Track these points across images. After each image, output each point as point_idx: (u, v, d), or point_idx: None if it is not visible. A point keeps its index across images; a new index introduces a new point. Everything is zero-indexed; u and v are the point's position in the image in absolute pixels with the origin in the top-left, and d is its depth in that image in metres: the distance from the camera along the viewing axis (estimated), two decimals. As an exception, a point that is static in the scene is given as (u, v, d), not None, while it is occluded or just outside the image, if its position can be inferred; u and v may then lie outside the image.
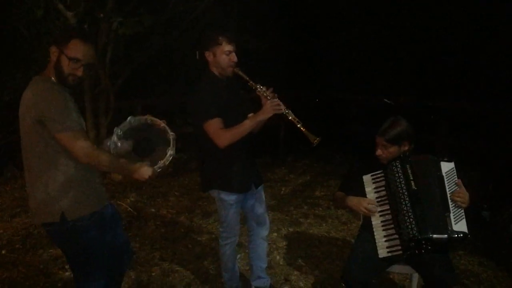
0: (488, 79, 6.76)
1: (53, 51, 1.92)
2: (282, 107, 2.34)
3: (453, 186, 2.24)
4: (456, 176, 2.27)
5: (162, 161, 2.03)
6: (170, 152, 2.05)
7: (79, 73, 1.94)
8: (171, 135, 2.09)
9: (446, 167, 2.27)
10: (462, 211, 2.20)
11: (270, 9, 7.72)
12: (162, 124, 2.12)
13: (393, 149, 2.33)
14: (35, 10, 4.80)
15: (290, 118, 2.35)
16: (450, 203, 2.19)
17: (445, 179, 2.24)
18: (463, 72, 7.13)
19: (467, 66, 7.05)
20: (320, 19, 8.81)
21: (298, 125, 2.34)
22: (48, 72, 1.95)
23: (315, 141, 2.30)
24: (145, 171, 1.94)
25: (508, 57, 6.32)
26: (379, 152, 2.37)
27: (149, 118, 2.15)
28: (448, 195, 2.21)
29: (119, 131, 2.07)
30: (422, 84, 7.65)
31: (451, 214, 2.17)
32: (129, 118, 2.12)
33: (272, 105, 2.32)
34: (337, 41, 8.43)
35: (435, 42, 7.51)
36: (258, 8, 7.29)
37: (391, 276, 3.14)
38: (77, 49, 1.90)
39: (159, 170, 2.02)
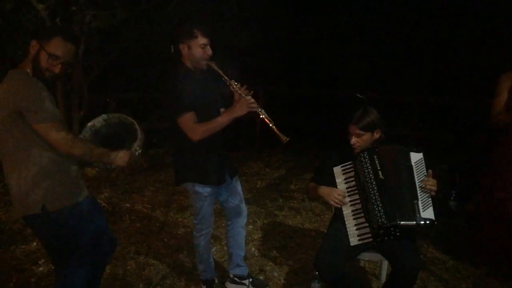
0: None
1: (33, 45, 1.94)
2: (256, 105, 2.38)
3: (422, 176, 2.33)
4: (424, 166, 2.36)
5: (135, 143, 2.09)
6: (138, 140, 2.11)
7: (56, 70, 1.97)
8: (141, 133, 2.14)
9: (415, 157, 2.38)
10: (430, 199, 2.30)
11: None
12: (134, 123, 2.17)
13: (367, 137, 2.43)
14: (5, 2, 4.67)
15: (262, 116, 2.39)
16: (418, 191, 2.29)
17: (414, 169, 2.34)
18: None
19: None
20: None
21: (270, 124, 2.39)
22: (24, 65, 1.96)
23: (285, 140, 2.36)
24: (124, 154, 2.03)
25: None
26: (353, 141, 2.45)
27: (122, 116, 2.19)
28: (417, 184, 2.30)
29: (92, 125, 2.15)
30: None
31: (419, 202, 2.27)
32: (102, 115, 2.18)
33: (246, 103, 2.35)
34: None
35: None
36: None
37: (362, 265, 3.24)
38: (58, 47, 1.94)
39: (137, 154, 2.09)
